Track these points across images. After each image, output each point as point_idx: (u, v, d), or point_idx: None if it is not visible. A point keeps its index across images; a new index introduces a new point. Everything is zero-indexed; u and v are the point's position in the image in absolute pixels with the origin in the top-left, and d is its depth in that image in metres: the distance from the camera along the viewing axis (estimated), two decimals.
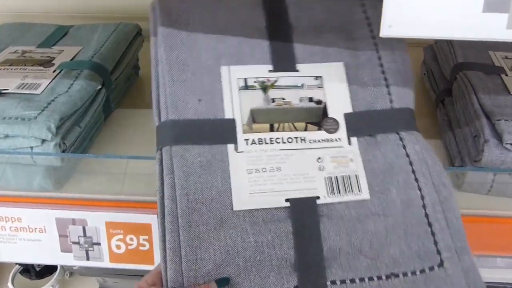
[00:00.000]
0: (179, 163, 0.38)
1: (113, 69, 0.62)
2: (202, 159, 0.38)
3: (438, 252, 0.37)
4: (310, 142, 0.40)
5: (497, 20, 0.33)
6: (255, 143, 0.39)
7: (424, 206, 0.38)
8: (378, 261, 0.36)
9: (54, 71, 0.57)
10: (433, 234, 0.37)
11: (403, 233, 0.37)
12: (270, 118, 0.40)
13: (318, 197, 0.38)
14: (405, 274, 0.36)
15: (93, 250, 0.52)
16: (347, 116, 0.41)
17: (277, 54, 0.43)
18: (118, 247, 0.52)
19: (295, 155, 0.39)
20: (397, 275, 0.36)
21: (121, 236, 0.52)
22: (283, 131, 0.40)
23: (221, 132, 0.39)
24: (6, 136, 0.47)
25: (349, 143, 0.40)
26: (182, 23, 0.43)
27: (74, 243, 0.52)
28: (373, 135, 0.41)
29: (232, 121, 0.39)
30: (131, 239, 0.52)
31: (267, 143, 0.39)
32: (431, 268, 0.36)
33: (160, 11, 0.44)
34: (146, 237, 0.52)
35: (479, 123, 0.52)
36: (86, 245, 0.52)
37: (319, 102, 0.41)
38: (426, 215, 0.38)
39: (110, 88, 0.60)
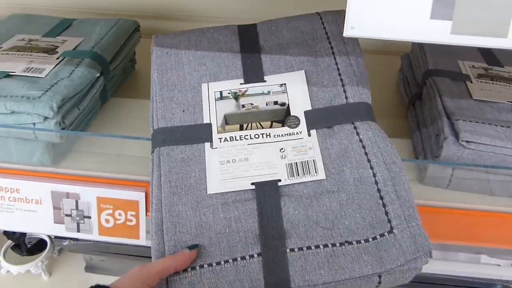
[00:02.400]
0: (164, 159, 0.47)
1: (111, 60, 0.67)
2: (184, 156, 0.47)
3: (389, 221, 0.42)
4: (275, 137, 0.47)
5: (443, 26, 0.39)
6: (227, 140, 0.47)
7: (376, 183, 0.44)
8: (333, 231, 0.42)
9: (57, 58, 0.62)
10: (384, 205, 0.42)
11: (357, 207, 0.43)
12: (240, 120, 0.49)
13: (280, 180, 0.45)
14: (358, 242, 0.41)
15: (83, 223, 0.57)
16: (306, 112, 0.48)
17: (248, 69, 0.52)
18: (107, 221, 0.57)
19: (261, 148, 0.47)
20: (350, 243, 0.41)
21: (110, 211, 0.56)
22: (251, 129, 0.48)
23: (200, 134, 0.48)
24: (13, 112, 0.52)
25: (309, 135, 0.47)
26: (172, 54, 0.54)
27: (66, 215, 0.57)
28: (330, 127, 0.48)
29: (209, 125, 0.48)
30: (120, 214, 0.56)
31: (237, 140, 0.47)
32: (382, 235, 0.41)
33: (156, 48, 0.56)
34: (134, 213, 0.56)
35: (441, 122, 0.58)
36: (78, 218, 0.57)
37: (282, 104, 0.49)
38: (378, 190, 0.43)
39: (108, 77, 0.65)
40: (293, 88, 0.50)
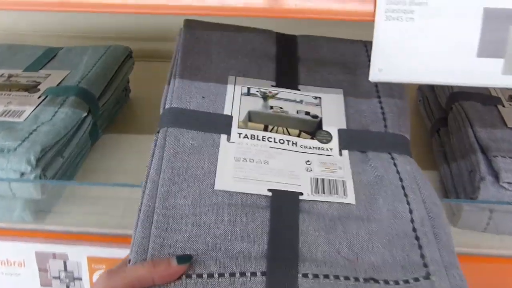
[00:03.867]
0: (171, 142, 0.40)
1: (101, 94, 0.60)
2: (194, 142, 0.40)
3: (425, 265, 0.35)
4: (302, 147, 0.42)
5: (493, 65, 0.32)
6: (247, 137, 0.42)
7: (412, 220, 0.37)
8: (357, 264, 0.34)
9: (39, 97, 0.56)
10: (420, 247, 0.36)
11: (387, 242, 0.36)
12: (266, 120, 0.44)
13: (302, 194, 0.38)
14: (386, 282, 0.33)
15: (74, 286, 0.50)
16: (341, 131, 0.44)
17: (281, 74, 0.49)
18: None
19: (284, 154, 0.41)
20: (377, 281, 0.33)
21: (103, 271, 0.50)
22: (276, 133, 0.43)
23: (217, 123, 0.42)
24: None
25: (340, 154, 0.42)
26: (201, 40, 0.50)
27: (54, 277, 0.50)
28: (365, 151, 0.43)
29: (229, 117, 0.43)
30: None
31: (259, 140, 0.42)
32: (416, 279, 0.34)
33: (185, 29, 0.51)
34: None
35: (475, 158, 0.51)
36: (67, 280, 0.50)
37: (315, 116, 0.45)
38: (414, 229, 0.37)
39: (97, 114, 0.59)
40: (329, 103, 0.46)
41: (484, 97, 0.60)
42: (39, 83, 0.58)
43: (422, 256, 0.35)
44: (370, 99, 0.48)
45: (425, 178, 0.42)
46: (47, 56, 0.66)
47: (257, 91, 0.46)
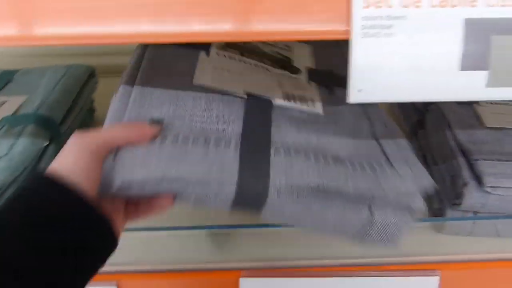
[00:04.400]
0: (151, 48, 0.42)
1: (63, 119, 0.56)
2: (175, 52, 0.42)
3: (387, 159, 0.38)
4: (274, 73, 0.45)
5: (476, 78, 0.30)
6: (224, 56, 0.44)
7: (373, 133, 0.41)
8: (325, 151, 0.36)
9: None
10: (382, 149, 0.39)
11: (352, 140, 0.39)
12: (242, 49, 0.46)
13: (273, 100, 0.40)
14: (352, 164, 0.36)
15: None
16: (309, 69, 0.48)
17: None
18: None
19: (258, 73, 0.44)
20: (344, 163, 0.36)
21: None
22: (251, 59, 0.46)
23: (197, 45, 0.44)
24: None
25: (309, 83, 0.45)
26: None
27: None
28: (332, 88, 0.45)
29: (208, 44, 0.45)
30: None
31: (235, 60, 0.44)
32: (381, 165, 0.37)
33: None
34: None
35: (457, 162, 0.50)
36: None
37: (286, 56, 0.48)
38: (375, 136, 0.40)
39: (60, 141, 0.55)
40: (298, 50, 0.50)
41: None
42: None
43: (384, 153, 0.39)
44: (335, 52, 0.49)
45: (386, 114, 0.45)
46: (2, 80, 0.61)
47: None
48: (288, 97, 0.41)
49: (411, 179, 0.36)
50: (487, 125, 0.54)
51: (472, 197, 0.47)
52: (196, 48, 0.43)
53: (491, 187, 0.46)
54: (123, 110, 0.36)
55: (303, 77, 0.45)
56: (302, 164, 0.35)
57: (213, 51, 0.44)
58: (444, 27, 0.29)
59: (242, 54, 0.46)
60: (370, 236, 0.35)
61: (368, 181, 0.35)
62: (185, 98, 0.37)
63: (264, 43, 0.48)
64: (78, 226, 0.28)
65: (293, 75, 0.45)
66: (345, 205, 0.35)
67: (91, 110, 0.69)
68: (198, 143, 0.34)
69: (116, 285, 0.46)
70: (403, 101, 0.30)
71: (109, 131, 0.34)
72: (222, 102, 0.38)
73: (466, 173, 0.48)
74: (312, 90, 0.44)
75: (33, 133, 0.50)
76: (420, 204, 0.36)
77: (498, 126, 0.54)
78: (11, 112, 0.54)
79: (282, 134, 0.37)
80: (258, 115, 0.38)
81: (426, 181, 0.37)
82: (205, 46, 0.44)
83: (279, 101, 0.40)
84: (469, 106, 0.58)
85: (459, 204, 0.48)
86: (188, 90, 0.38)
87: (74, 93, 0.60)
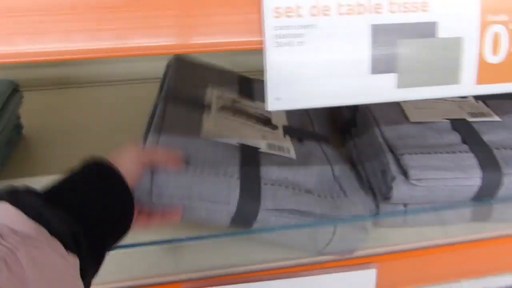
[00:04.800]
0: (171, 109, 0.55)
1: None
2: (186, 112, 0.55)
3: (342, 190, 0.51)
4: (258, 129, 0.57)
5: (387, 80, 0.32)
6: (221, 117, 0.56)
7: (333, 173, 0.54)
8: (299, 185, 0.50)
9: None
10: (339, 184, 0.52)
11: (319, 180, 0.52)
12: (233, 111, 0.59)
13: (260, 148, 0.53)
14: (319, 195, 0.49)
15: None
16: (284, 126, 0.60)
17: (243, 91, 0.66)
18: None
19: (247, 128, 0.56)
20: (313, 194, 0.49)
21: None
22: (240, 118, 0.58)
23: (201, 106, 0.57)
24: None
25: (284, 136, 0.58)
26: (189, 66, 0.67)
27: None
28: (301, 139, 0.58)
29: (209, 105, 0.58)
30: None
31: (228, 119, 0.57)
32: (338, 196, 0.50)
33: (175, 60, 0.67)
34: None
35: (385, 158, 0.52)
36: None
37: (266, 117, 0.61)
38: (334, 176, 0.53)
39: None
40: (275, 112, 0.62)
41: None
42: None
43: (340, 187, 0.52)
44: (302, 112, 0.65)
45: (342, 158, 0.58)
46: None
47: (228, 97, 0.62)
48: (270, 146, 0.54)
49: (361, 205, 0.50)
50: (411, 120, 0.57)
51: (400, 190, 0.49)
52: (200, 109, 0.56)
53: (417, 179, 0.49)
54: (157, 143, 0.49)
55: (280, 132, 0.58)
56: (283, 193, 0.47)
57: (213, 111, 0.57)
58: (353, 34, 0.30)
59: (234, 115, 0.58)
60: (332, 249, 0.49)
61: (331, 207, 0.49)
62: (198, 146, 0.50)
63: (250, 106, 0.61)
64: (120, 201, 0.39)
65: (273, 131, 0.58)
66: (315, 226, 0.48)
67: (19, 127, 0.65)
68: (211, 174, 0.46)
69: None
70: (320, 106, 0.31)
71: (157, 153, 0.46)
72: (223, 148, 0.50)
73: (393, 168, 0.50)
74: (287, 142, 0.56)
75: None
76: (368, 223, 0.50)
77: (422, 121, 0.57)
78: None
79: (268, 172, 0.49)
80: (249, 158, 0.50)
81: (371, 205, 0.51)
82: (207, 109, 0.57)
83: (264, 149, 0.53)
84: (396, 102, 0.61)
85: (389, 197, 0.50)
86: (199, 141, 0.51)
87: None
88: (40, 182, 0.58)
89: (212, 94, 0.61)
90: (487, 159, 0.51)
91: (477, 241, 0.54)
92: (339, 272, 0.50)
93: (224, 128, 0.54)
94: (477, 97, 0.63)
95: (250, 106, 0.62)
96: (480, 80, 0.32)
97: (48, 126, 0.70)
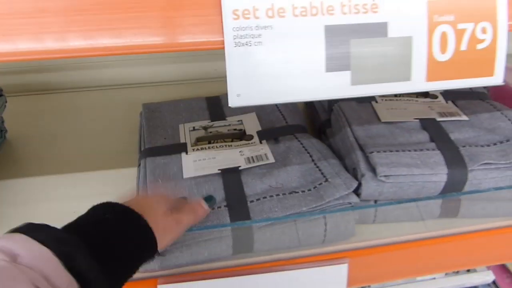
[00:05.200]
0: (150, 163, 0.59)
1: None
2: (165, 161, 0.59)
3: (323, 176, 0.54)
4: (235, 146, 0.61)
5: (342, 78, 0.34)
6: (198, 150, 0.61)
7: (312, 160, 0.57)
8: (282, 189, 0.53)
9: None
10: (320, 169, 0.55)
11: (300, 174, 0.55)
12: (208, 139, 0.63)
13: (240, 166, 0.57)
14: (303, 191, 0.52)
15: None
16: (258, 131, 0.64)
17: (214, 114, 0.70)
18: None
19: (225, 152, 0.60)
20: (297, 192, 0.52)
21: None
22: (217, 143, 0.62)
23: (177, 148, 0.61)
24: None
25: (261, 142, 0.62)
26: (156, 111, 0.71)
27: None
28: (276, 138, 0.63)
29: (184, 143, 0.62)
30: None
31: (206, 149, 0.61)
32: (320, 184, 0.53)
33: (144, 108, 0.72)
34: None
35: (355, 156, 0.54)
36: None
37: (240, 129, 0.65)
38: (315, 164, 0.56)
39: None
40: (248, 121, 0.67)
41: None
42: None
43: (322, 173, 0.55)
44: (272, 110, 0.68)
45: (320, 142, 0.61)
46: None
47: (199, 127, 0.66)
48: (248, 160, 0.58)
49: (343, 185, 0.52)
50: (382, 120, 0.59)
51: (369, 186, 0.51)
52: (178, 152, 0.60)
53: (384, 176, 0.51)
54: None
55: (256, 140, 0.62)
56: (269, 204, 0.51)
57: (189, 149, 0.61)
58: (308, 34, 0.32)
59: (209, 142, 0.62)
60: (328, 237, 0.52)
61: (315, 199, 0.51)
62: (184, 187, 0.54)
63: (222, 126, 0.66)
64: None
65: (249, 141, 0.62)
66: (306, 224, 0.51)
67: (2, 130, 0.67)
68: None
69: None
70: (278, 102, 0.33)
71: (189, 214, 0.46)
72: (207, 181, 0.54)
73: (363, 165, 0.52)
74: (265, 147, 0.60)
75: None
76: (355, 199, 0.52)
77: (392, 121, 0.59)
78: None
79: (252, 188, 0.53)
80: (232, 181, 0.54)
81: (353, 182, 0.52)
82: (183, 148, 0.61)
83: (243, 166, 0.57)
84: (368, 103, 0.63)
85: (359, 194, 0.52)
86: (182, 183, 0.55)
87: None
88: (22, 184, 0.60)
89: (184, 130, 0.65)
90: (453, 156, 0.54)
91: (446, 236, 0.56)
92: (311, 267, 0.51)
93: (202, 161, 0.58)
94: (447, 97, 0.66)
95: (224, 126, 0.66)
96: (430, 77, 0.35)
97: (31, 130, 0.71)
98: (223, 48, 0.31)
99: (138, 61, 0.83)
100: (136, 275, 0.49)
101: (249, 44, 0.32)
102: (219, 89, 0.75)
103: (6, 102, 0.66)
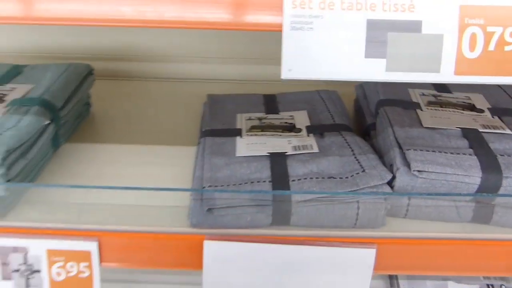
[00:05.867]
0: (208, 141, 0.67)
1: (62, 106, 0.66)
2: (222, 141, 0.67)
3: (361, 167, 0.60)
4: (285, 136, 0.68)
5: (378, 64, 0.39)
6: (251, 135, 0.68)
7: (353, 154, 0.63)
8: (323, 174, 0.59)
9: (5, 106, 0.61)
10: (358, 162, 0.61)
11: (340, 164, 0.61)
12: (261, 128, 0.71)
13: (287, 152, 0.63)
14: (340, 178, 0.58)
15: (33, 278, 0.54)
16: (307, 126, 0.71)
17: (268, 108, 0.78)
18: (58, 274, 0.54)
19: (275, 140, 0.67)
20: (335, 178, 0.58)
21: (61, 263, 0.54)
22: (268, 132, 0.70)
23: (233, 132, 0.69)
24: None
25: (308, 135, 0.68)
26: (219, 100, 0.81)
27: (14, 271, 0.54)
28: (322, 134, 0.69)
29: (240, 129, 0.70)
30: (72, 266, 0.54)
31: (258, 136, 0.68)
32: (357, 173, 0.59)
33: (208, 97, 0.82)
34: (87, 263, 0.54)
35: (393, 152, 0.59)
36: (27, 273, 0.54)
37: (290, 123, 0.72)
38: (355, 157, 0.62)
39: (59, 124, 0.64)
40: (298, 116, 0.74)
41: (406, 103, 0.69)
42: (5, 95, 0.63)
43: (360, 164, 0.60)
44: (323, 110, 0.75)
45: (363, 140, 0.66)
46: (13, 73, 0.71)
47: (255, 117, 0.74)
48: (295, 148, 0.64)
49: (378, 176, 0.57)
50: (424, 125, 0.64)
51: (402, 180, 0.56)
52: (233, 135, 0.68)
53: (418, 171, 0.55)
54: (201, 178, 0.60)
55: (304, 133, 0.69)
56: (309, 184, 0.57)
57: (244, 133, 0.69)
58: (352, 25, 0.39)
59: (262, 131, 0.69)
60: (360, 223, 0.57)
61: (351, 185, 0.57)
62: (235, 165, 0.61)
63: (275, 118, 0.73)
64: None
65: (298, 134, 0.69)
66: (340, 205, 0.56)
67: (88, 104, 0.78)
68: (248, 183, 0.58)
69: (97, 240, 0.54)
70: (322, 79, 0.39)
71: None
72: (256, 161, 0.61)
73: (399, 160, 0.57)
74: (311, 139, 0.67)
75: (37, 113, 0.59)
76: (389, 190, 0.57)
77: (434, 127, 0.63)
78: (19, 96, 0.63)
79: (295, 170, 0.59)
80: (278, 163, 0.61)
81: (387, 174, 0.57)
82: (238, 133, 0.69)
83: (290, 152, 0.63)
84: (413, 110, 0.68)
85: (393, 186, 0.57)
86: (234, 159, 0.62)
87: (74, 85, 0.69)
88: (99, 149, 0.70)
89: (242, 119, 0.73)
90: (489, 162, 0.56)
91: (475, 240, 0.58)
92: (341, 247, 0.56)
93: (254, 144, 0.66)
94: (494, 113, 0.68)
95: (276, 119, 0.73)
96: (458, 71, 0.40)
97: (113, 109, 0.82)
98: (280, 30, 0.39)
99: (206, 60, 0.93)
100: (184, 230, 0.57)
101: (303, 29, 0.38)
102: (276, 90, 0.82)
103: (94, 80, 0.78)
